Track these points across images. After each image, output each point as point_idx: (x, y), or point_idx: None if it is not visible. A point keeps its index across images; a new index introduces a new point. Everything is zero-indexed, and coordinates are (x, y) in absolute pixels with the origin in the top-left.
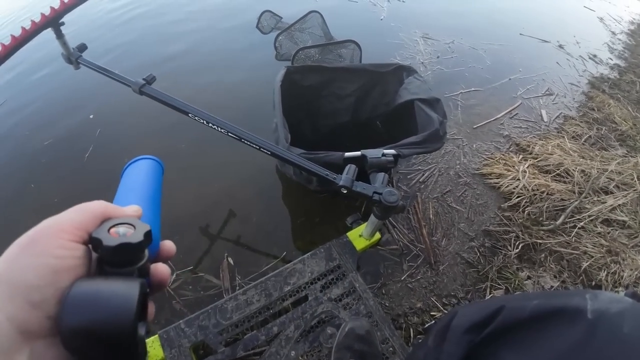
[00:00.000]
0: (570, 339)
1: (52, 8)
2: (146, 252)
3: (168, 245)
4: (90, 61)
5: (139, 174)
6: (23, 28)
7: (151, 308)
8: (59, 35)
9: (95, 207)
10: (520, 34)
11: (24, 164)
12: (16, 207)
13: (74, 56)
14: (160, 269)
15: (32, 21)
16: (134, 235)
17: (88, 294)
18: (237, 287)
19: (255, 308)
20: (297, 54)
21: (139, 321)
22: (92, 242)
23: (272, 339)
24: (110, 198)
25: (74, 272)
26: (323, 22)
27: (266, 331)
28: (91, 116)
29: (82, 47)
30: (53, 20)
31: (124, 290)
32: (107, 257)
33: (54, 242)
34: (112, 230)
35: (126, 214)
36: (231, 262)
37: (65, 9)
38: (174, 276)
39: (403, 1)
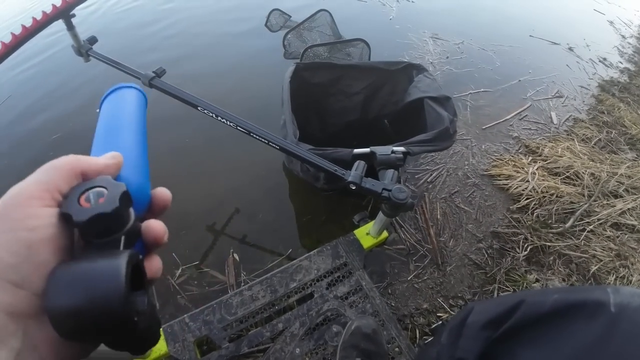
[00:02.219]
0: (592, 333)
1: None
2: (131, 212)
3: (161, 193)
4: (100, 53)
5: (118, 109)
6: (34, 18)
7: (156, 263)
8: (70, 27)
9: (64, 164)
10: (530, 36)
11: (32, 158)
12: None
13: (84, 48)
14: (153, 226)
15: (43, 12)
16: (107, 201)
17: (71, 275)
18: (242, 284)
19: (261, 304)
20: (305, 52)
21: (133, 291)
22: (63, 218)
23: (276, 335)
24: None
25: (52, 242)
26: (332, 21)
27: (271, 328)
28: (97, 110)
29: (93, 40)
30: (64, 12)
31: (108, 267)
32: (83, 231)
33: (22, 212)
34: (83, 198)
35: (102, 164)
36: (237, 258)
37: (77, 1)
38: (179, 271)
39: (412, 1)
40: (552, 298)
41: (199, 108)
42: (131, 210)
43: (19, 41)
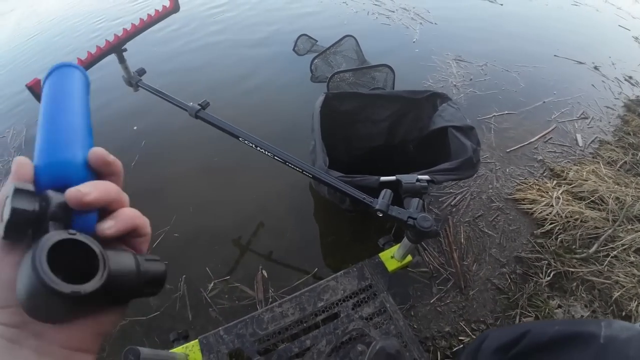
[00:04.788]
0: None
1: (115, 35)
2: (33, 203)
3: (96, 153)
4: (149, 85)
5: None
6: (89, 52)
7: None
8: (121, 60)
9: None
10: (555, 55)
11: None
12: None
13: (135, 80)
14: (126, 213)
15: (98, 46)
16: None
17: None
18: (270, 300)
19: (290, 321)
20: (332, 77)
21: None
22: None
23: (304, 351)
24: (156, 205)
25: (4, 262)
26: (357, 45)
27: (299, 344)
28: (135, 127)
29: (142, 72)
30: (116, 47)
31: (29, 256)
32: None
33: None
34: None
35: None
36: (265, 274)
37: (128, 37)
38: (211, 285)
39: (435, 23)
40: (553, 329)
41: (240, 139)
42: (50, 193)
43: None
